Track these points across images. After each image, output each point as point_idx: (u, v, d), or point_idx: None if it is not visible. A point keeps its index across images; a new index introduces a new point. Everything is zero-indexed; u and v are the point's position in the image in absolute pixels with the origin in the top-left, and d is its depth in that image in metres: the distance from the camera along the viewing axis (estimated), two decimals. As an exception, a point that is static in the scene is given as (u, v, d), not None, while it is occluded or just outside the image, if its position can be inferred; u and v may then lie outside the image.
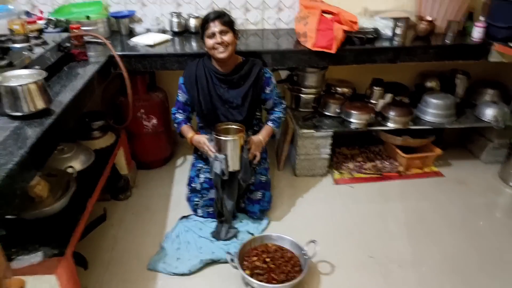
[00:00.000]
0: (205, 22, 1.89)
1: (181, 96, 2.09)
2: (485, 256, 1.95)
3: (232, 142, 1.88)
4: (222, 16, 1.87)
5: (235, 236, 2.02)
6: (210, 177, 2.03)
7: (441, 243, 2.04)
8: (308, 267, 1.74)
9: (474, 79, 2.82)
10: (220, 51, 1.88)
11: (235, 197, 2.04)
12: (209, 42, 1.88)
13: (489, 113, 2.53)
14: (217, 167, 1.90)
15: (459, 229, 2.14)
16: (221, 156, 1.88)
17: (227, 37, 1.87)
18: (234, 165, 1.92)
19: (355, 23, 2.22)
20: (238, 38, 1.96)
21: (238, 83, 2.00)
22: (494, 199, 2.42)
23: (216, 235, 2.02)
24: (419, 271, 1.87)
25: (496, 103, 2.59)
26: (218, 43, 1.86)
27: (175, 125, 2.13)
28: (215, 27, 1.85)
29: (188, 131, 2.07)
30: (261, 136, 2.05)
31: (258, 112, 2.17)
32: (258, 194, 2.13)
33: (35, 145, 1.18)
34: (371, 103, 2.64)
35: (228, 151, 1.89)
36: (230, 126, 2.00)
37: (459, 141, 2.99)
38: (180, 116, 2.12)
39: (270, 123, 2.11)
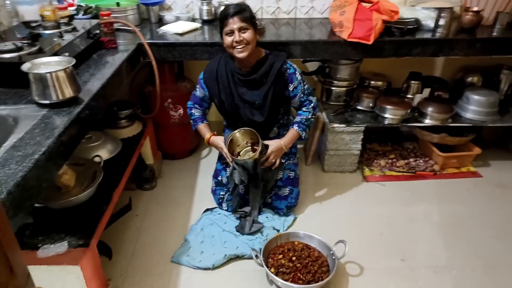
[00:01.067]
0: (223, 18, 1.75)
1: (199, 92, 2.00)
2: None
3: (247, 161, 1.83)
4: (242, 12, 1.73)
5: (259, 231, 1.96)
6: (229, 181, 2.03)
7: (479, 250, 1.91)
8: (336, 268, 1.66)
9: (521, 75, 2.62)
10: (239, 50, 1.76)
11: (260, 192, 1.98)
12: (228, 39, 1.76)
13: (536, 112, 2.35)
14: (236, 177, 1.91)
15: (498, 236, 2.00)
16: (238, 167, 1.87)
17: (247, 35, 1.74)
18: (249, 174, 1.90)
19: (396, 12, 2.09)
20: (259, 33, 1.85)
21: (258, 82, 1.88)
22: (537, 205, 2.25)
23: (240, 229, 1.97)
24: (454, 278, 1.76)
25: (544, 101, 2.40)
26: (237, 42, 1.74)
27: (191, 121, 2.06)
28: (234, 23, 1.72)
29: (205, 131, 2.00)
30: (283, 141, 1.93)
31: (283, 109, 2.02)
32: (286, 190, 2.07)
33: (62, 135, 1.15)
34: (407, 98, 2.50)
35: (244, 165, 1.86)
36: (245, 130, 1.91)
37: (500, 141, 2.80)
38: (196, 113, 2.03)
39: (295, 127, 1.95)
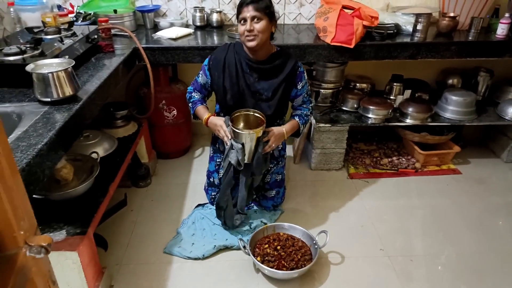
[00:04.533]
0: (239, 5, 1.72)
1: (201, 78, 1.93)
2: (502, 257, 1.93)
3: (249, 136, 1.74)
4: (258, 1, 1.67)
5: (246, 223, 2.07)
6: (222, 164, 1.92)
7: (457, 241, 2.03)
8: (318, 256, 1.78)
9: (498, 77, 2.75)
10: (249, 39, 1.71)
11: (248, 186, 1.94)
12: (241, 28, 1.72)
13: (511, 111, 2.48)
14: (233, 157, 1.79)
15: (476, 228, 2.12)
16: (237, 145, 1.75)
17: (259, 25, 1.68)
18: (247, 158, 1.81)
19: (376, 18, 2.22)
20: (275, 25, 1.80)
21: (270, 73, 1.84)
22: (514, 200, 2.37)
23: (225, 222, 2.02)
24: (431, 266, 1.87)
25: (519, 101, 2.54)
26: (248, 31, 1.69)
27: (190, 104, 1.97)
28: (248, 12, 1.68)
29: (204, 112, 1.90)
30: (284, 129, 1.88)
31: (285, 109, 2.00)
32: (272, 192, 2.16)
33: (62, 128, 1.27)
34: (390, 99, 2.63)
35: (244, 143, 1.77)
36: (250, 113, 1.84)
37: (480, 140, 2.94)
38: (196, 96, 1.96)
39: (296, 118, 1.93)
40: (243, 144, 1.76)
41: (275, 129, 1.85)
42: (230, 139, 1.78)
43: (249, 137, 1.75)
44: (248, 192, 1.97)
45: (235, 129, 1.74)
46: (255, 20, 1.69)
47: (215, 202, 2.01)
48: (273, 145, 1.84)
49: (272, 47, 1.86)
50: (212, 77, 1.89)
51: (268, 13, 1.71)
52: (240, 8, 1.72)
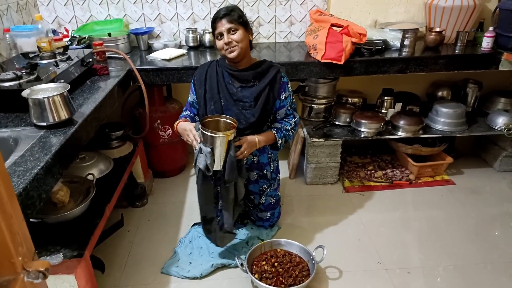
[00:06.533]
0: (213, 21, 1.75)
1: (190, 97, 1.95)
2: (499, 268, 1.93)
3: (218, 138, 1.65)
4: (230, 13, 1.71)
5: (241, 239, 2.07)
6: (194, 171, 1.84)
7: (454, 252, 2.03)
8: (315, 271, 1.78)
9: (487, 88, 2.82)
10: (229, 50, 1.73)
11: (231, 206, 1.88)
12: (219, 43, 1.75)
13: (500, 121, 2.53)
14: (201, 162, 1.70)
15: (472, 239, 2.13)
16: (206, 149, 1.67)
17: (236, 35, 1.71)
18: (217, 164, 1.72)
19: (364, 35, 2.28)
20: (251, 33, 1.81)
21: (252, 81, 1.83)
22: (509, 209, 2.39)
23: (214, 241, 1.98)
24: (429, 278, 1.87)
25: (508, 111, 2.58)
26: (226, 44, 1.72)
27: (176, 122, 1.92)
28: (222, 26, 1.71)
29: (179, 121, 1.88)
30: (258, 137, 1.82)
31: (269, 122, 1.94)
32: (267, 214, 2.15)
33: (59, 152, 1.29)
34: (381, 112, 2.68)
35: (214, 147, 1.68)
36: (221, 119, 1.79)
37: (472, 150, 2.98)
38: (184, 113, 1.96)
39: (274, 130, 1.87)
40: (212, 149, 1.68)
41: (248, 137, 1.81)
42: (199, 143, 1.71)
43: (219, 141, 1.66)
44: (233, 209, 1.90)
45: (204, 132, 1.66)
46: (231, 31, 1.72)
47: (200, 216, 1.94)
48: (246, 152, 1.77)
49: (254, 58, 1.88)
50: (196, 92, 1.90)
51: (242, 22, 1.74)
52: (214, 24, 1.75)
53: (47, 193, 1.23)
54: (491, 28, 2.39)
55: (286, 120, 1.93)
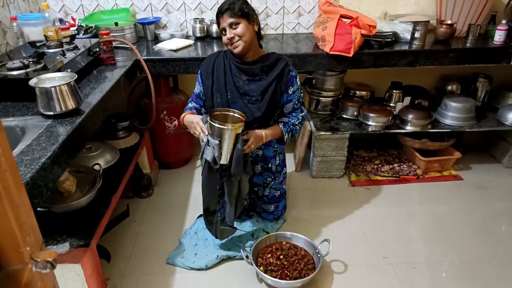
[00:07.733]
0: (216, 17, 1.74)
1: (197, 88, 1.92)
2: (505, 264, 1.92)
3: (227, 131, 1.63)
4: (231, 7, 1.67)
5: (246, 232, 2.07)
6: (200, 162, 1.82)
7: (459, 248, 2.02)
8: (321, 265, 1.78)
9: (497, 83, 2.77)
10: (234, 45, 1.71)
11: (234, 200, 1.88)
12: (224, 38, 1.74)
13: (510, 116, 2.49)
14: (209, 154, 1.68)
15: (478, 235, 2.11)
16: (214, 141, 1.65)
17: (238, 29, 1.68)
18: (224, 157, 1.70)
19: (374, 27, 2.25)
20: (257, 23, 1.76)
21: (260, 74, 1.80)
22: (517, 205, 2.37)
23: (215, 234, 1.95)
24: (434, 273, 1.87)
25: (518, 107, 2.55)
26: (229, 39, 1.70)
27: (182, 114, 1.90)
28: (224, 22, 1.69)
29: (186, 113, 1.86)
30: (264, 132, 1.81)
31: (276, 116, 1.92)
32: (271, 207, 2.14)
33: (66, 141, 1.29)
34: (389, 106, 2.65)
35: (222, 140, 1.66)
36: (229, 113, 1.76)
37: (481, 145, 2.95)
38: (190, 104, 1.94)
39: (281, 125, 1.86)
40: (220, 141, 1.66)
41: (255, 131, 1.80)
42: (207, 135, 1.69)
43: (227, 133, 1.64)
44: (236, 204, 1.90)
45: (213, 124, 1.63)
46: (233, 26, 1.69)
47: (203, 207, 1.91)
48: (252, 146, 1.77)
49: (262, 50, 1.85)
50: (203, 83, 1.87)
51: (244, 14, 1.69)
52: (217, 20, 1.74)
53: (54, 183, 1.23)
54: (504, 21, 2.34)
55: (294, 114, 1.91)
